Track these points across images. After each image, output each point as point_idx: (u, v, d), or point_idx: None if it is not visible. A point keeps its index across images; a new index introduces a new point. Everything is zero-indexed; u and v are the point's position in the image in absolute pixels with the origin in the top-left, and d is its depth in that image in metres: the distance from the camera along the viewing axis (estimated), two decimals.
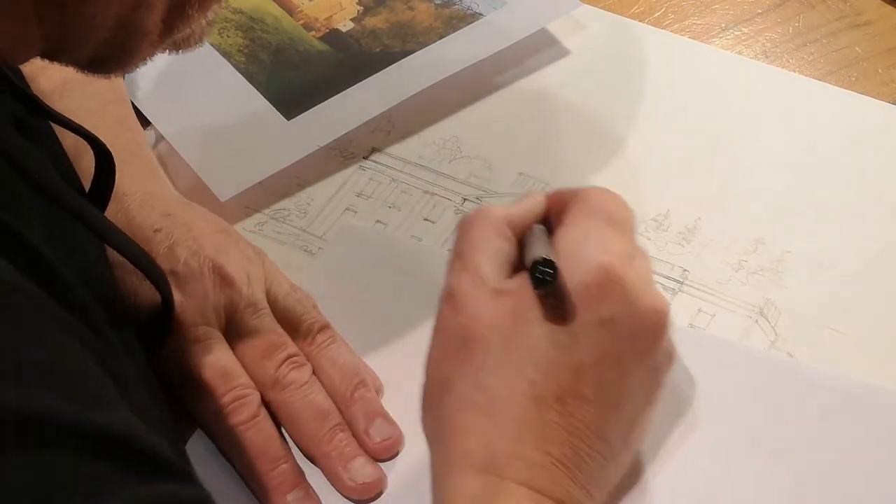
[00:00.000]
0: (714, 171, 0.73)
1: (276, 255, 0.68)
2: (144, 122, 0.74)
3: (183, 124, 0.74)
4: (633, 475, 0.59)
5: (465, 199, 0.72)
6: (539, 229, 0.58)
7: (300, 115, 0.74)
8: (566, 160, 0.74)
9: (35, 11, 0.45)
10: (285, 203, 0.72)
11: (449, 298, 0.56)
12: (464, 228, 0.58)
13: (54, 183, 0.49)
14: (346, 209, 0.72)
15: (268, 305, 0.63)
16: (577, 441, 0.54)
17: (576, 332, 0.54)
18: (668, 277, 0.68)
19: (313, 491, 0.59)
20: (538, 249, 0.54)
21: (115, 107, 0.69)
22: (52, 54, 0.48)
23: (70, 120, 0.55)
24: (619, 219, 0.57)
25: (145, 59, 0.51)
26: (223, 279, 0.62)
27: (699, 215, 0.71)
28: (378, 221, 0.71)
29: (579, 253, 0.55)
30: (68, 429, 0.38)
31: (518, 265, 0.57)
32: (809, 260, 0.69)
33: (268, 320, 0.62)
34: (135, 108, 0.74)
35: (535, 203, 0.60)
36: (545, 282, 0.52)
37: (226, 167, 0.72)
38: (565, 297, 0.54)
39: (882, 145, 0.74)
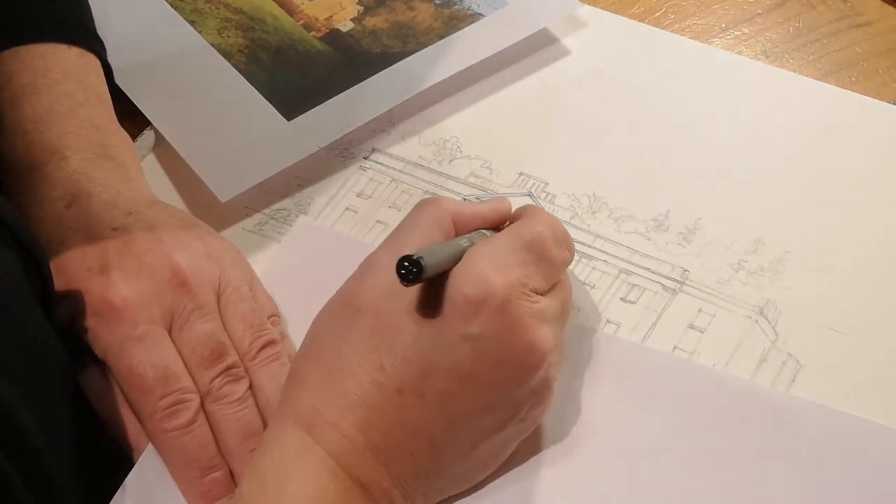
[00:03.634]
0: (714, 171, 0.73)
1: (276, 255, 0.68)
2: (144, 122, 0.74)
3: (183, 124, 0.74)
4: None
5: (465, 199, 0.72)
6: (478, 234, 0.60)
7: (300, 116, 0.74)
8: (566, 160, 0.74)
9: None
10: (285, 203, 0.72)
11: (367, 264, 0.58)
12: (415, 207, 0.60)
13: None
14: (347, 209, 0.72)
15: (217, 310, 0.62)
16: (402, 436, 0.55)
17: (439, 336, 0.55)
18: (668, 277, 0.68)
19: None
20: (432, 250, 0.55)
21: (87, 108, 0.68)
22: None
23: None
24: (542, 252, 0.58)
25: None
26: (176, 277, 0.61)
27: (699, 215, 0.71)
28: (378, 221, 0.71)
29: (476, 267, 0.55)
30: None
31: None
32: (809, 260, 0.69)
33: (214, 326, 0.61)
34: (134, 108, 0.74)
35: (492, 209, 0.62)
36: (406, 277, 0.53)
37: (226, 167, 0.72)
38: (440, 301, 0.55)
39: (882, 145, 0.74)
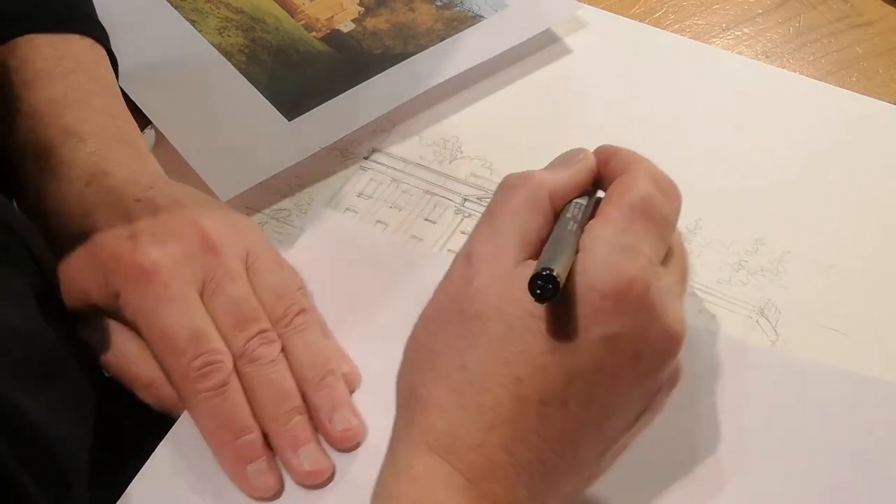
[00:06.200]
0: (714, 171, 0.73)
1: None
2: (145, 121, 0.74)
3: (183, 124, 0.74)
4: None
5: (465, 199, 0.72)
6: (575, 206, 0.56)
7: (301, 116, 0.74)
8: None
9: None
10: (286, 203, 0.72)
11: (466, 260, 0.54)
12: (506, 189, 0.56)
13: None
14: (347, 209, 0.72)
15: (246, 276, 0.62)
16: (547, 449, 0.51)
17: (577, 339, 0.51)
18: None
19: (275, 464, 0.59)
20: (550, 252, 0.51)
21: (100, 98, 0.68)
22: None
23: None
24: (660, 215, 0.54)
25: None
26: (205, 242, 0.61)
27: (699, 215, 0.71)
28: (378, 221, 0.71)
29: (603, 255, 0.52)
30: None
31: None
32: (809, 260, 0.69)
33: (245, 290, 0.61)
34: (135, 107, 0.74)
35: (582, 172, 0.57)
36: (544, 297, 0.49)
37: (226, 167, 0.72)
38: (569, 298, 0.51)
39: (882, 145, 0.74)
